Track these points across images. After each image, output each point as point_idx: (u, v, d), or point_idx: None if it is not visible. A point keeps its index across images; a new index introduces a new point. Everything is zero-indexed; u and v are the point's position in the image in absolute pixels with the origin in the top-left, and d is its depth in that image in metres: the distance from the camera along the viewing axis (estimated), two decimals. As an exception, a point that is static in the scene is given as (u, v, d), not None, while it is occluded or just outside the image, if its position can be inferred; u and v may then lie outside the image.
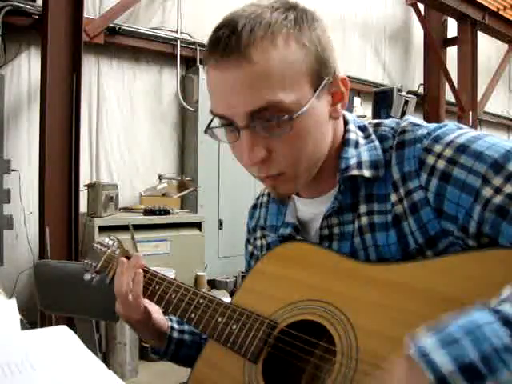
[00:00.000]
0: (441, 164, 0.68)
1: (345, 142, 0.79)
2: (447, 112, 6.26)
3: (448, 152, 0.68)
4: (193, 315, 0.87)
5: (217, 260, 4.11)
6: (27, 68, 3.52)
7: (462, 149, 0.67)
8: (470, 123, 5.86)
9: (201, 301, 0.87)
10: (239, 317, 0.81)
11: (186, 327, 1.00)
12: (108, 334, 3.02)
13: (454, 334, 0.47)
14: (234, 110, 0.68)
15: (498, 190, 0.62)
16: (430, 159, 0.70)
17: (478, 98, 6.41)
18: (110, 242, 1.06)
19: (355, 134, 0.80)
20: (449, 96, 6.25)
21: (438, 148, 0.70)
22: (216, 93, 0.70)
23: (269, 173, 0.73)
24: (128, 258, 1.02)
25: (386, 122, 0.81)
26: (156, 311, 0.98)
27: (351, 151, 0.78)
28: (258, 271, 0.88)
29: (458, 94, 6.05)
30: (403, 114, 4.92)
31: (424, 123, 0.76)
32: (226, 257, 4.11)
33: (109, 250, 1.05)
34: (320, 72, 0.71)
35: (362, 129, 0.82)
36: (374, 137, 0.79)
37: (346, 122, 0.82)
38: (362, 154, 0.77)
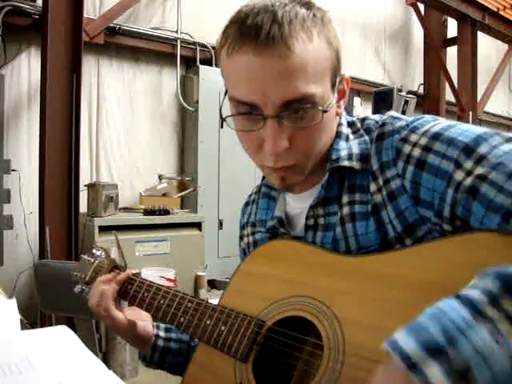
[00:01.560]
0: (416, 152, 0.70)
1: (336, 135, 0.82)
2: (447, 112, 6.26)
3: (423, 140, 0.70)
4: (182, 319, 0.87)
5: (217, 260, 4.11)
6: (27, 68, 3.53)
7: (436, 136, 0.69)
8: (470, 123, 5.83)
9: (189, 305, 0.88)
10: (227, 318, 0.82)
11: (173, 335, 1.01)
12: (108, 334, 3.02)
13: (420, 322, 0.49)
14: (267, 99, 0.68)
15: (469, 173, 0.64)
16: (406, 148, 0.72)
17: (478, 98, 6.42)
18: (98, 253, 1.06)
19: (346, 128, 0.83)
20: (449, 96, 6.25)
21: (413, 137, 0.72)
22: (249, 79, 0.69)
23: (285, 163, 0.74)
24: (116, 267, 1.02)
25: (371, 116, 0.84)
26: (143, 318, 0.98)
27: (342, 144, 0.80)
28: (243, 271, 0.89)
29: (458, 94, 6.05)
30: (403, 113, 4.92)
31: (404, 117, 0.78)
32: (226, 257, 4.11)
33: (97, 261, 1.05)
34: (336, 70, 0.74)
35: (351, 124, 0.84)
36: (362, 131, 0.82)
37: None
38: (352, 147, 0.80)
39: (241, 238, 1.02)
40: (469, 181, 0.63)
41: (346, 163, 0.78)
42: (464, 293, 0.50)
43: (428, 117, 0.75)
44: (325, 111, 0.71)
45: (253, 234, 0.96)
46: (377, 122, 0.80)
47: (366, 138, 0.80)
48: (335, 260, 0.76)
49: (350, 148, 0.80)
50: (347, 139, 0.81)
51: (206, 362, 0.85)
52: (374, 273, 0.69)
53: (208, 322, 0.84)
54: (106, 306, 0.93)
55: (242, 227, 1.01)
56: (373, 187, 0.76)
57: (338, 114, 0.80)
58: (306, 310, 0.74)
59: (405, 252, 0.70)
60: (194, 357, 0.88)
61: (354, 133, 0.82)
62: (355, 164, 0.78)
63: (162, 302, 0.91)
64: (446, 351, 0.45)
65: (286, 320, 0.76)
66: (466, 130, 0.68)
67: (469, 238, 0.63)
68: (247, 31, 0.68)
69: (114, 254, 1.06)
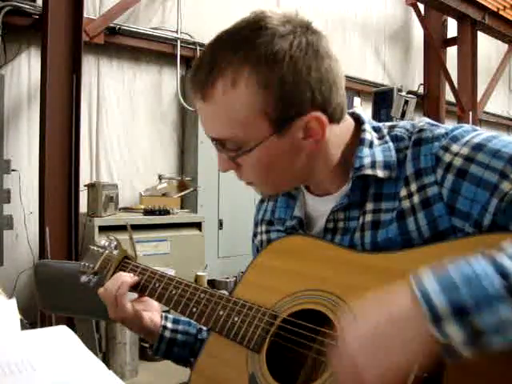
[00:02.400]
0: (457, 161, 0.70)
1: (360, 142, 0.81)
2: (447, 112, 6.26)
3: (465, 150, 0.70)
4: (194, 309, 0.88)
5: (217, 260, 4.11)
6: (27, 68, 3.53)
7: (479, 147, 0.69)
8: (470, 123, 5.85)
9: (202, 295, 0.89)
10: (241, 309, 0.83)
11: (180, 327, 1.02)
12: (108, 333, 3.02)
13: (453, 280, 0.52)
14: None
15: None
16: (447, 157, 0.72)
17: (478, 98, 6.41)
18: (107, 243, 1.07)
19: (370, 135, 0.82)
20: (449, 96, 6.25)
21: (455, 147, 0.72)
22: None
23: (245, 181, 0.81)
24: (127, 257, 1.04)
25: (401, 124, 0.83)
26: (152, 309, 1.00)
27: (366, 151, 0.79)
28: (258, 264, 0.89)
29: (458, 94, 6.05)
30: (403, 114, 4.92)
31: (441, 124, 0.78)
32: (226, 257, 4.11)
33: (106, 251, 1.06)
34: (286, 111, 0.71)
35: (377, 130, 0.83)
36: (388, 138, 0.81)
37: (361, 122, 0.83)
38: (376, 154, 0.79)
39: (254, 235, 1.02)
40: None
41: (369, 171, 0.77)
42: (499, 260, 0.52)
43: (467, 126, 0.75)
44: (234, 157, 0.76)
45: (267, 232, 0.96)
46: (407, 131, 0.80)
47: (391, 144, 0.79)
48: (351, 256, 0.76)
49: (373, 155, 0.79)
50: (371, 145, 0.80)
51: (218, 351, 0.86)
52: (390, 269, 0.70)
53: (221, 313, 0.85)
54: (121, 294, 0.95)
55: (256, 224, 1.01)
56: (403, 192, 0.75)
57: (310, 149, 0.76)
58: (320, 303, 0.75)
59: (424, 250, 0.70)
60: (205, 345, 0.89)
61: (379, 139, 0.82)
62: (378, 172, 0.77)
63: (173, 292, 0.93)
64: (470, 315, 0.50)
65: (300, 313, 0.77)
66: (510, 142, 0.69)
67: (487, 237, 0.65)
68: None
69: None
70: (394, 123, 0.84)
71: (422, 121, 0.80)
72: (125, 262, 1.03)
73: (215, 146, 0.77)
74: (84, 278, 1.06)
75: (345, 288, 0.73)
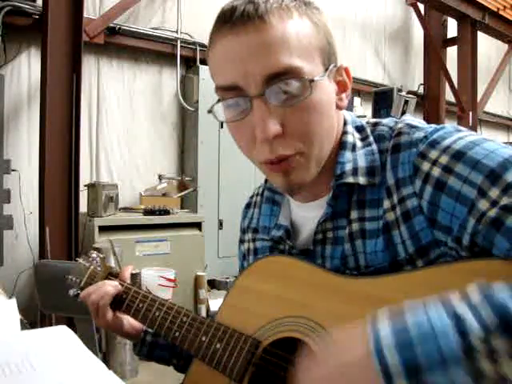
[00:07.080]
0: (436, 171, 0.66)
1: (341, 145, 0.77)
2: (447, 112, 6.26)
3: (444, 159, 0.65)
4: (177, 334, 0.88)
5: (217, 260, 4.11)
6: (27, 68, 3.52)
7: (459, 156, 0.64)
8: (470, 123, 5.85)
9: (184, 319, 0.88)
10: (222, 335, 0.81)
11: None
12: (108, 334, 3.01)
13: (410, 335, 0.48)
14: (249, 76, 0.65)
15: (494, 203, 0.59)
16: (425, 166, 0.67)
17: (478, 98, 6.41)
18: (94, 255, 1.08)
19: (352, 137, 0.77)
20: (449, 96, 6.25)
21: (433, 154, 0.67)
22: (228, 60, 0.67)
23: (283, 152, 0.68)
24: (111, 274, 1.04)
25: (384, 121, 0.78)
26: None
27: (347, 155, 0.76)
28: (240, 286, 0.87)
29: (458, 94, 6.05)
30: (403, 114, 4.92)
31: (421, 124, 0.73)
32: (226, 257, 4.11)
33: (92, 267, 1.06)
34: (329, 54, 0.71)
35: (360, 129, 0.79)
36: (371, 139, 0.76)
37: (344, 122, 0.79)
38: (358, 160, 0.75)
39: (241, 241, 0.99)
40: (493, 212, 0.58)
41: (350, 179, 0.73)
42: (460, 313, 0.48)
43: (449, 127, 0.70)
44: (311, 80, 0.66)
45: (254, 240, 0.93)
46: (391, 129, 0.75)
47: (374, 147, 0.75)
48: (335, 281, 0.73)
49: (355, 160, 0.75)
50: (353, 149, 0.76)
51: (201, 380, 0.85)
52: (373, 297, 0.68)
53: (203, 339, 0.83)
54: (103, 305, 0.97)
55: (243, 231, 0.98)
56: (386, 204, 0.72)
57: (339, 106, 0.75)
58: (301, 332, 0.73)
59: (407, 276, 0.67)
60: (189, 373, 0.88)
61: (362, 140, 0.77)
62: (361, 179, 0.73)
63: (157, 314, 0.92)
64: (422, 376, 0.47)
65: (282, 340, 0.75)
66: (491, 151, 0.63)
67: (470, 264, 0.61)
68: (224, 17, 0.68)
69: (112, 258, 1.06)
70: (377, 120, 0.80)
71: (402, 122, 0.74)
72: (109, 280, 1.02)
73: (268, 90, 0.65)
74: (72, 292, 1.08)
75: (327, 316, 0.71)
